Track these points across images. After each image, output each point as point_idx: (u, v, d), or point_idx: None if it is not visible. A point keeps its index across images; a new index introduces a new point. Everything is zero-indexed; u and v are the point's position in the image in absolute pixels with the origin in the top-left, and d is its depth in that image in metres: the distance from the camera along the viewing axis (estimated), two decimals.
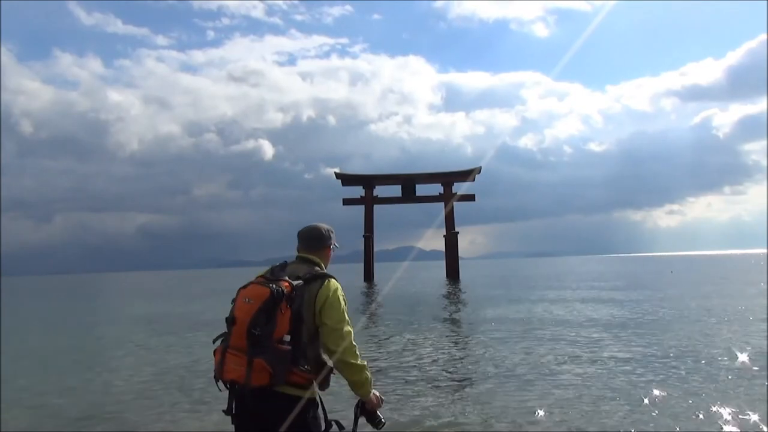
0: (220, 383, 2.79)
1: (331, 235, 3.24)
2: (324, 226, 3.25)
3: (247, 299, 2.73)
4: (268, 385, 2.67)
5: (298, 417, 2.78)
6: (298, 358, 2.77)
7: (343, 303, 2.95)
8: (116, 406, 7.84)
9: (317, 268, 3.02)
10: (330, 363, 2.93)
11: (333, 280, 2.99)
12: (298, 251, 3.16)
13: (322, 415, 2.93)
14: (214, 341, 2.86)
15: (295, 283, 2.81)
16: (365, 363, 2.98)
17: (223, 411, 2.81)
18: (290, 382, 2.75)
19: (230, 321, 2.76)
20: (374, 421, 3.04)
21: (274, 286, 2.73)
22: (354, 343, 2.92)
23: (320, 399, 2.95)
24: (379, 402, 3.07)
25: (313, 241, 3.17)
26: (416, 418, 6.72)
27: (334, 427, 2.97)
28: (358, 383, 2.98)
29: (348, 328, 2.91)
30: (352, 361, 2.91)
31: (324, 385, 2.94)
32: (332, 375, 2.97)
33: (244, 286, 2.81)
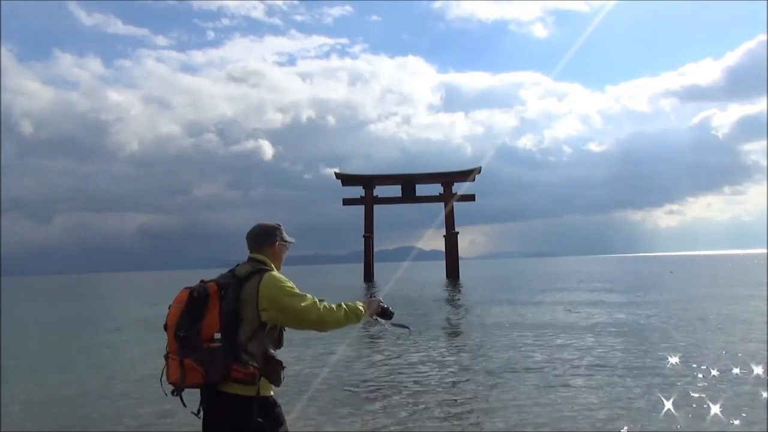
0: (166, 386, 2.86)
1: (277, 232, 3.17)
2: (269, 223, 3.21)
3: (175, 304, 2.86)
4: (204, 383, 2.75)
5: (246, 417, 2.81)
6: (238, 354, 2.80)
7: (290, 284, 2.97)
8: (117, 406, 7.84)
9: (262, 267, 3.02)
10: (278, 357, 2.93)
11: (271, 272, 3.00)
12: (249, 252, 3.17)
13: (275, 415, 2.90)
14: (166, 348, 2.93)
15: (223, 282, 2.89)
16: (338, 303, 3.02)
17: (192, 413, 2.90)
18: (233, 379, 2.79)
19: (165, 327, 2.88)
20: (386, 316, 3.22)
21: (197, 288, 2.84)
22: (320, 304, 2.95)
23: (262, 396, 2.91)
24: (375, 305, 3.16)
25: (257, 240, 3.15)
26: (415, 420, 6.71)
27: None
28: (351, 320, 3.03)
29: (307, 301, 2.93)
30: (334, 318, 2.96)
31: (275, 380, 2.92)
32: (283, 369, 2.94)
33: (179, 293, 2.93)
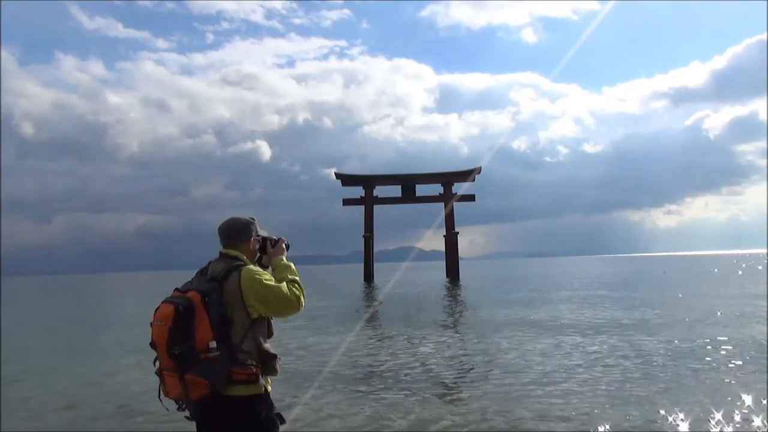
0: (165, 400, 2.86)
1: (252, 227, 3.11)
2: (243, 217, 3.14)
3: (158, 321, 2.75)
4: (210, 394, 2.72)
5: (253, 415, 2.82)
6: (235, 356, 2.78)
7: (267, 275, 2.95)
8: (116, 406, 7.84)
9: (237, 263, 2.96)
10: (272, 350, 2.92)
11: (247, 266, 2.95)
12: (221, 247, 3.10)
13: (272, 411, 2.90)
14: (153, 363, 2.88)
15: (204, 288, 2.80)
16: (279, 279, 2.99)
17: (186, 417, 2.89)
18: (236, 381, 2.77)
19: (152, 345, 2.80)
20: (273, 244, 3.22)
21: (180, 301, 2.73)
22: (287, 290, 2.92)
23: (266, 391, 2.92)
24: (282, 250, 3.20)
25: (231, 235, 3.08)
26: (413, 421, 6.72)
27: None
28: (297, 275, 3.07)
29: (283, 287, 2.91)
30: (298, 289, 2.96)
31: (272, 373, 2.91)
32: (278, 360, 2.94)
33: (158, 307, 2.80)
